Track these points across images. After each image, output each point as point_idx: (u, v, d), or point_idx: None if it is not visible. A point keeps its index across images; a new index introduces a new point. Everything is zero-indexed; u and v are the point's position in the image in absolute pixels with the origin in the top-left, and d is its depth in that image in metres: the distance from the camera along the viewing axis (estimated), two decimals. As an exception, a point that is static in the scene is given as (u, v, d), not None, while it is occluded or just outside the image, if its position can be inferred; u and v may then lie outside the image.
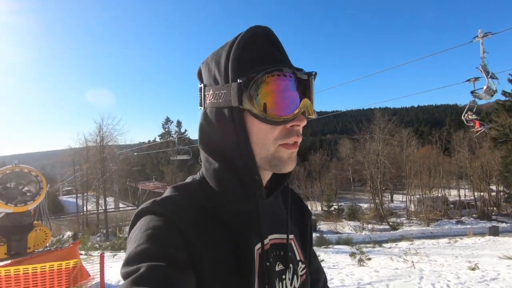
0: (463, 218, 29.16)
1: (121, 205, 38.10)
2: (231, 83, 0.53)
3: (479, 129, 10.92)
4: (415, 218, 30.40)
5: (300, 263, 0.67)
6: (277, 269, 0.60)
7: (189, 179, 0.63)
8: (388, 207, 33.93)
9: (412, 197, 33.19)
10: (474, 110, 10.23)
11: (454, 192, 39.47)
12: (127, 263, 0.46)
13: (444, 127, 53.59)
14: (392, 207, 35.30)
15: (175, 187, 0.59)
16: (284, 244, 0.63)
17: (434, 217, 28.92)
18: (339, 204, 34.85)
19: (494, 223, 23.79)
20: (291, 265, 0.63)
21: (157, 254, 0.45)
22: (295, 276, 0.64)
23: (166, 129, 48.35)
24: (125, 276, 0.44)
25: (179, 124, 49.66)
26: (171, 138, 38.70)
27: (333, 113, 47.06)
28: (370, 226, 26.93)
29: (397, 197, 39.94)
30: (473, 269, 5.82)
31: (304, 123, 0.55)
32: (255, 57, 0.54)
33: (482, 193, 33.32)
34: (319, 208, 34.60)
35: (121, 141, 31.06)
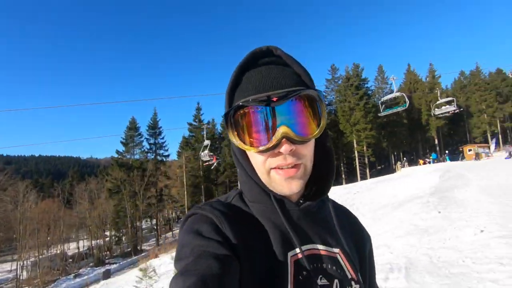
0: (81, 270, 29.51)
1: None
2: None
3: (215, 162, 16.99)
4: (27, 286, 25.94)
5: (352, 282, 0.61)
6: (320, 283, 0.57)
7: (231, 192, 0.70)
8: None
9: (25, 262, 28.39)
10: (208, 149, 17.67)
11: (73, 245, 39.30)
12: (175, 260, 0.52)
13: (67, 179, 53.50)
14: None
15: (217, 198, 0.68)
16: (327, 257, 0.62)
17: (52, 278, 26.59)
18: None
19: (107, 267, 26.44)
20: (336, 280, 0.59)
21: (201, 247, 0.51)
22: None
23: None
24: (175, 272, 0.50)
25: None
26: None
27: None
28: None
29: (4, 267, 32.24)
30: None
31: (288, 149, 0.53)
32: (244, 89, 0.57)
33: (98, 241, 36.30)
34: None
35: None
